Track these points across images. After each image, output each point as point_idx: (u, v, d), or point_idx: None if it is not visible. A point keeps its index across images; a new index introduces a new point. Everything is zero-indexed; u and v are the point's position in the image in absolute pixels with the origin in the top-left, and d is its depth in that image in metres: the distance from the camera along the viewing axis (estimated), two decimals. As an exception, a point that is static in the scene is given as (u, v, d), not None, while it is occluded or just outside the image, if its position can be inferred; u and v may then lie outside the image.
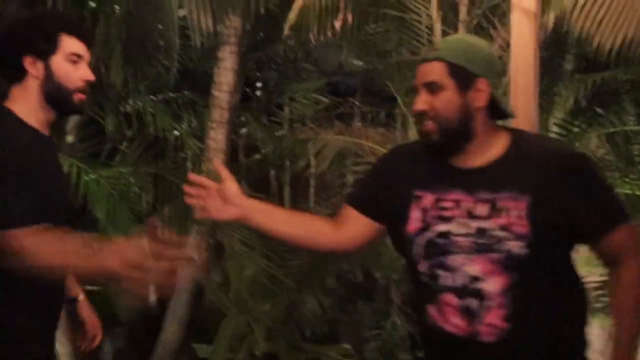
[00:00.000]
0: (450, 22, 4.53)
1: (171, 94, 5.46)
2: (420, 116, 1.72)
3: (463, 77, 1.59)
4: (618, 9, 3.77)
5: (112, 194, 4.64)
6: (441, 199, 1.68)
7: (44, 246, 1.67)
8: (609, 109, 5.10)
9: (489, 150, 1.66)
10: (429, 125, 1.64)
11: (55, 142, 2.35)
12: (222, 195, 1.78)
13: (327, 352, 4.53)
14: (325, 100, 6.07)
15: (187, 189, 1.79)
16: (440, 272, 1.65)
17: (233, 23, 4.70)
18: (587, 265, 4.43)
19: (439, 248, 1.66)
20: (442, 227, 1.64)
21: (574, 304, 1.75)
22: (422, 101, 1.63)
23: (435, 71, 1.61)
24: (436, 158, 1.74)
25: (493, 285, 1.61)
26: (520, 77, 3.54)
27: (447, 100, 1.61)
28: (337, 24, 4.47)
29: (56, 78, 1.83)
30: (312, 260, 4.70)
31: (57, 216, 1.88)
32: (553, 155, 1.66)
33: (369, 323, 5.18)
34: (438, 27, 4.53)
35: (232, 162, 5.33)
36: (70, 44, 1.86)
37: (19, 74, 1.82)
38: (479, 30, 4.61)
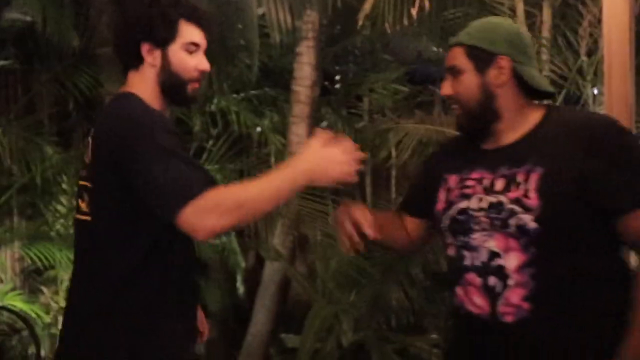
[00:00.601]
0: (533, 2, 4.33)
1: (253, 92, 5.42)
2: (449, 102, 1.78)
3: (480, 57, 1.65)
4: None
5: (200, 190, 4.69)
6: (465, 179, 1.73)
7: (231, 195, 1.63)
8: None
9: (518, 128, 1.69)
10: (456, 109, 1.71)
11: None
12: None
13: (415, 342, 4.36)
14: (405, 89, 5.84)
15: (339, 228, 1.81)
16: (465, 252, 1.69)
17: (310, 18, 4.61)
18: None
19: (461, 225, 1.69)
20: (462, 204, 1.69)
21: (608, 292, 1.65)
22: (445, 86, 1.71)
23: (455, 56, 1.69)
24: (469, 143, 1.78)
25: (511, 261, 1.61)
26: (614, 54, 3.22)
27: (467, 82, 1.67)
28: (414, 12, 4.21)
29: (172, 67, 1.79)
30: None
31: None
32: (578, 125, 1.64)
33: (456, 313, 5.08)
34: (521, 7, 4.28)
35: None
36: (189, 32, 1.80)
37: (136, 61, 1.79)
38: (565, 7, 4.45)
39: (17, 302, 4.49)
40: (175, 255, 1.76)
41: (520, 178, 1.62)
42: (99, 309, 1.70)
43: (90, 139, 1.77)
